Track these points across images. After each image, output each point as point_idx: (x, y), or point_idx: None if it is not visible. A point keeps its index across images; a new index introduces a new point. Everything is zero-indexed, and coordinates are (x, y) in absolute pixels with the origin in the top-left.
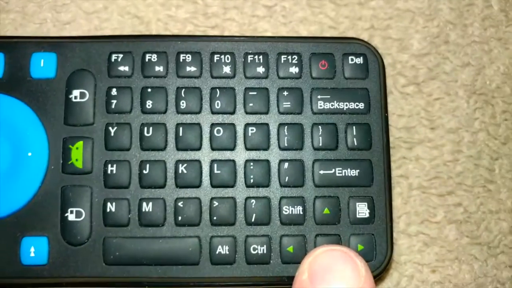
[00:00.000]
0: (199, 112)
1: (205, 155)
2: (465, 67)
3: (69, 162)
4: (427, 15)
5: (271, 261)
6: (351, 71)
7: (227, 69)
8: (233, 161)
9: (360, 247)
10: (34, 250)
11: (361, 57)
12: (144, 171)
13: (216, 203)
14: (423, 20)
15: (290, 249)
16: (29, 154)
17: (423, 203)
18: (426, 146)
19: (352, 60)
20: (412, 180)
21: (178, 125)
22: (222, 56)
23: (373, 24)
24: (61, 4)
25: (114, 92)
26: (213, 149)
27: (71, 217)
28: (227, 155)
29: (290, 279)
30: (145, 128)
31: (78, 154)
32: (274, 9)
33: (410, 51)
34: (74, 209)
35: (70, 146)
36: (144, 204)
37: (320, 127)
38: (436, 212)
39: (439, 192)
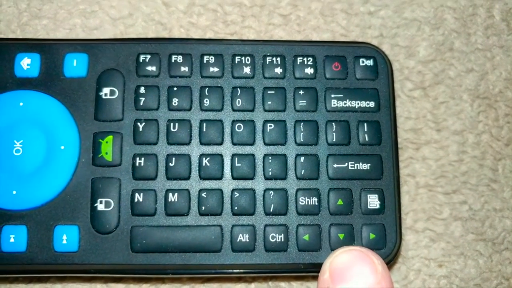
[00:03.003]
0: (221, 110)
1: (227, 149)
2: (469, 72)
3: (99, 155)
4: (432, 24)
5: (288, 249)
6: (362, 72)
7: (247, 70)
8: (253, 155)
9: (371, 236)
10: (66, 237)
11: (371, 60)
12: (170, 164)
13: (237, 194)
14: (429, 29)
15: (306, 237)
16: (62, 147)
17: (429, 201)
18: (432, 146)
19: (362, 62)
20: (419, 179)
21: (201, 121)
22: (243, 58)
23: (382, 32)
24: (90, 11)
25: (142, 90)
26: (234, 144)
27: (101, 207)
28: (247, 149)
29: (306, 265)
30: (171, 124)
31: (108, 147)
32: (289, 17)
33: (417, 57)
34: (104, 200)
35: (100, 140)
36: (170, 194)
37: (333, 124)
38: (442, 209)
39: (445, 190)
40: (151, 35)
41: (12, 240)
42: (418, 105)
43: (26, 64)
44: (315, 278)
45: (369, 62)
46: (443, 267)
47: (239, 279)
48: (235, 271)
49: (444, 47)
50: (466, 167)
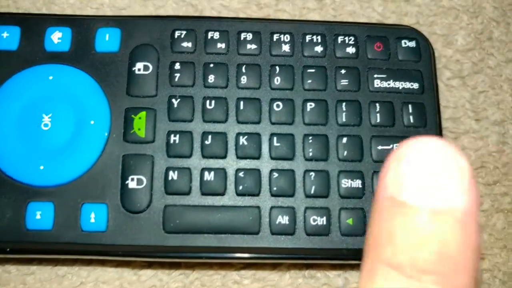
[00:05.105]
0: (258, 88)
1: (265, 129)
2: (508, 62)
3: (132, 131)
4: (471, 12)
5: (330, 233)
6: (405, 54)
7: (286, 48)
8: (292, 135)
9: None
10: (94, 216)
11: (414, 41)
12: (206, 142)
13: (275, 175)
14: (467, 17)
15: (350, 221)
16: (92, 122)
17: None
18: (471, 136)
19: (405, 43)
20: None
21: (238, 99)
22: (281, 36)
23: (418, 20)
24: None
25: (177, 66)
26: (272, 123)
27: (132, 184)
28: (285, 129)
29: (349, 251)
30: (207, 101)
31: (141, 123)
32: (325, 2)
33: (455, 46)
34: (135, 177)
35: (133, 116)
36: (206, 173)
37: (377, 104)
38: (483, 200)
39: (485, 181)
40: None
41: (38, 217)
42: (456, 94)
43: (57, 38)
44: (354, 267)
45: (412, 44)
46: (486, 260)
47: (274, 267)
48: (274, 255)
49: (483, 36)
50: (507, 158)
